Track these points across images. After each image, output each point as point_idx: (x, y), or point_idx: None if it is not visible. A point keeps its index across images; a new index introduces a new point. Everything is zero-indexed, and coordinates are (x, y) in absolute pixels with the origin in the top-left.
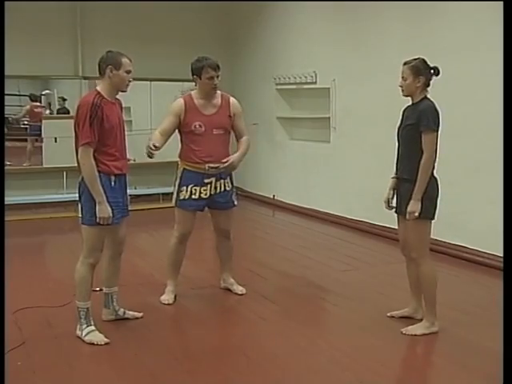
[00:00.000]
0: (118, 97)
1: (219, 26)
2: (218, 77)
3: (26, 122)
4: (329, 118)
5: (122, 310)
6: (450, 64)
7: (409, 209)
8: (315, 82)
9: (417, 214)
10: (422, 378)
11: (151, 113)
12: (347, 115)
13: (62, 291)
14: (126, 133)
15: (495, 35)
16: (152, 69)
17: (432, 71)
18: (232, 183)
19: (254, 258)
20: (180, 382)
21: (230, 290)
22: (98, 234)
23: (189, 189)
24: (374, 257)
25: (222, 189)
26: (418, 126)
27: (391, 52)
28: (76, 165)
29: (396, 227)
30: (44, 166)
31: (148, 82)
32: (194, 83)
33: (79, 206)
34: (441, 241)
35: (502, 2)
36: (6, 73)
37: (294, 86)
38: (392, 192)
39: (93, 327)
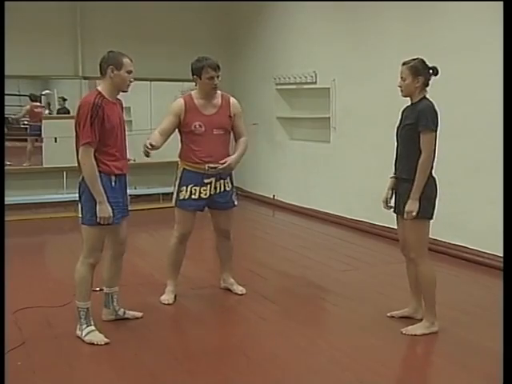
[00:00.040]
0: (118, 97)
1: (219, 26)
2: (218, 77)
3: (25, 122)
4: (329, 118)
5: (122, 309)
6: (449, 64)
7: (407, 208)
8: (315, 82)
9: (414, 214)
10: (421, 378)
11: (151, 113)
12: (347, 115)
13: (62, 291)
14: (126, 133)
15: (495, 35)
16: (152, 69)
17: (431, 71)
18: (232, 183)
19: (254, 258)
20: (180, 382)
21: (230, 289)
22: (98, 234)
23: (189, 189)
24: (374, 257)
25: (222, 189)
26: (417, 126)
27: (391, 52)
28: (76, 165)
29: (396, 227)
30: (44, 165)
31: (148, 82)
32: (194, 83)
33: (79, 205)
34: (441, 241)
35: (501, 2)
36: (6, 73)
37: (294, 86)
38: (391, 192)
39: (93, 327)
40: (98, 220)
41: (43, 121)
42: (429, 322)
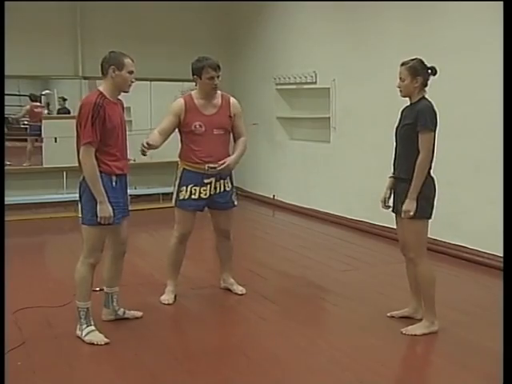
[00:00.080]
0: (118, 97)
1: (219, 26)
2: (218, 77)
3: (25, 122)
4: (329, 118)
5: (121, 309)
6: (450, 64)
7: (404, 208)
8: (315, 82)
9: (412, 213)
10: (421, 377)
11: (151, 113)
12: (347, 115)
13: (62, 291)
14: (127, 133)
15: (495, 35)
16: (152, 69)
17: (429, 71)
18: (232, 183)
19: (254, 258)
20: (180, 382)
21: (230, 289)
22: (98, 234)
23: (188, 189)
24: (374, 257)
25: (222, 189)
26: (416, 126)
27: (391, 52)
28: (77, 164)
29: (395, 227)
30: (44, 165)
31: (148, 82)
32: (194, 83)
33: (79, 205)
34: (441, 241)
35: (501, 2)
36: (6, 73)
37: (294, 86)
38: (389, 191)
39: (93, 327)
40: (98, 220)
41: (43, 121)
42: (429, 321)
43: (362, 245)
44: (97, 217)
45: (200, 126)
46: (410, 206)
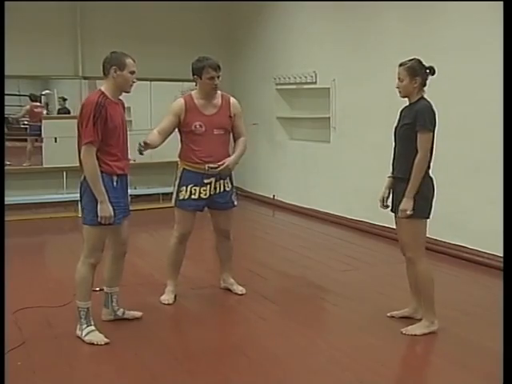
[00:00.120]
0: (119, 97)
1: (219, 26)
2: (218, 77)
3: (25, 122)
4: (329, 118)
5: (121, 310)
6: (449, 64)
7: (401, 206)
8: (315, 82)
9: (408, 212)
10: (421, 378)
11: (151, 113)
12: (347, 115)
13: (62, 291)
14: (128, 133)
15: (495, 35)
16: (152, 69)
17: (428, 71)
18: (232, 183)
19: (254, 258)
20: (180, 382)
21: (229, 289)
22: (99, 234)
23: (188, 189)
24: (374, 257)
25: (222, 189)
26: (415, 126)
27: (391, 52)
28: (78, 164)
29: (395, 227)
30: (44, 165)
31: (148, 82)
32: (194, 83)
33: (80, 205)
34: (441, 241)
35: (501, 2)
36: (6, 73)
37: (294, 86)
38: (388, 191)
39: (93, 327)
40: (99, 220)
41: (43, 121)
42: (428, 321)
43: (362, 245)
44: (97, 217)
45: (200, 125)
46: (406, 204)
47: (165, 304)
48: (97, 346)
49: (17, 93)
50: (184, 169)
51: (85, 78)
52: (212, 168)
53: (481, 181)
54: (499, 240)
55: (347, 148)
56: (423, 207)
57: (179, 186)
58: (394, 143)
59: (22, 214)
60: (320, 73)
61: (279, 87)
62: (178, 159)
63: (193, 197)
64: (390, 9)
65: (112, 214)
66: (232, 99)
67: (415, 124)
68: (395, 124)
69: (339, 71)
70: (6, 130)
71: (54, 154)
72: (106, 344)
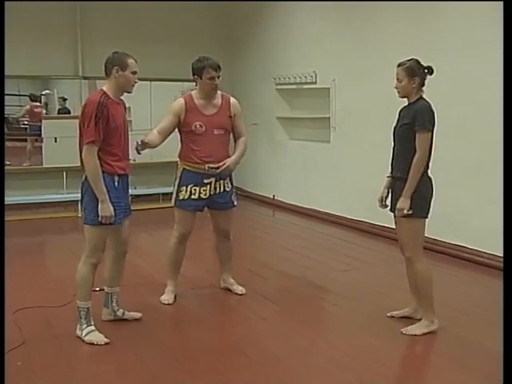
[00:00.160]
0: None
1: (219, 26)
2: (218, 77)
3: (25, 122)
4: (329, 117)
5: (121, 310)
6: (449, 64)
7: (398, 205)
8: (315, 82)
9: (405, 212)
10: (421, 377)
11: (151, 113)
12: (347, 115)
13: (62, 291)
14: (129, 133)
15: (495, 35)
16: (152, 69)
17: (426, 71)
18: (232, 184)
19: (254, 258)
20: (180, 382)
21: (229, 289)
22: (100, 233)
23: (188, 189)
24: (374, 257)
25: (222, 189)
26: (413, 126)
27: (391, 52)
28: (79, 164)
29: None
30: (44, 165)
31: (148, 82)
32: (194, 83)
33: (81, 205)
34: (441, 241)
35: (501, 2)
36: (6, 73)
37: (294, 86)
38: (386, 191)
39: (93, 327)
40: (99, 219)
41: (43, 121)
42: (428, 320)
43: (362, 245)
44: (99, 216)
45: (200, 125)
46: (403, 204)
47: (165, 304)
48: (97, 346)
49: (17, 93)
50: (184, 169)
51: (85, 78)
52: (212, 168)
53: (481, 181)
54: (499, 240)
55: (347, 148)
56: (422, 207)
57: (179, 186)
58: (392, 143)
59: (22, 213)
60: (320, 73)
61: (279, 87)
62: (177, 159)
63: (193, 197)
64: (390, 9)
65: (113, 213)
66: (232, 99)
67: (414, 124)
68: (394, 124)
69: (339, 71)
70: (6, 129)
71: (53, 154)
72: (106, 344)
